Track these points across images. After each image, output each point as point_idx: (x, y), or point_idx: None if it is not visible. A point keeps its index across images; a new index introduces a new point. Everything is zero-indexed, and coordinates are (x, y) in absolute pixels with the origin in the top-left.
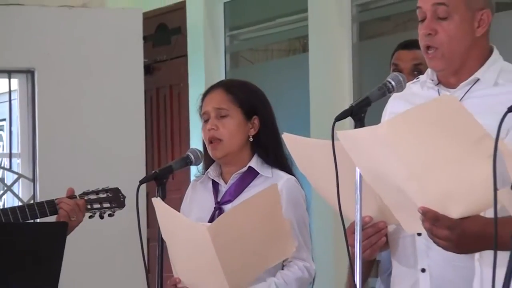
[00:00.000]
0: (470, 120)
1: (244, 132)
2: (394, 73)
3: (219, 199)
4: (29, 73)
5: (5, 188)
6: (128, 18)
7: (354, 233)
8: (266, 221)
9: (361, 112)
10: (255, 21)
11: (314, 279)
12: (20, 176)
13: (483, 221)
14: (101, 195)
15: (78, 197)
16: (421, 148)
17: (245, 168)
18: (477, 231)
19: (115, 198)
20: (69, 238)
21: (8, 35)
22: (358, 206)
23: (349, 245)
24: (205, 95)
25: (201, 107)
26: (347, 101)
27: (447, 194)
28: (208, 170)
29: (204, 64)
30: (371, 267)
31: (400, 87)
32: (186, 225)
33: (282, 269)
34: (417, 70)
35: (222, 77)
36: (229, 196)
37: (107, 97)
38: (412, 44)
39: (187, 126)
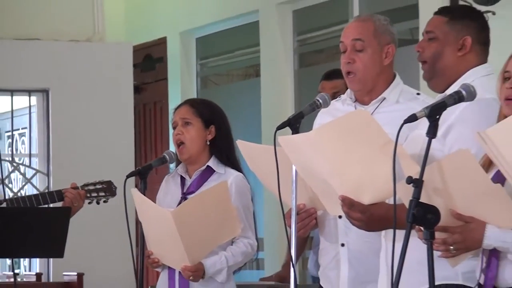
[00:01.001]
0: (378, 129)
1: (203, 137)
2: (321, 93)
3: (184, 190)
4: (45, 92)
5: (26, 181)
6: (122, 50)
7: (291, 217)
8: (217, 208)
9: (297, 123)
10: (219, 53)
11: (257, 252)
12: (37, 171)
13: (386, 206)
14: (98, 186)
15: (80, 188)
16: (340, 150)
17: (204, 167)
18: (381, 214)
19: (108, 189)
20: (73, 219)
21: (28, 63)
22: (294, 196)
23: (287, 226)
24: (175, 109)
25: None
26: (290, 115)
27: (360, 185)
28: (177, 167)
29: (180, 85)
30: (306, 242)
31: (326, 104)
32: (155, 210)
33: (231, 245)
34: (336, 97)
35: (194, 96)
36: (193, 188)
37: (105, 111)
38: (333, 74)
39: (167, 133)
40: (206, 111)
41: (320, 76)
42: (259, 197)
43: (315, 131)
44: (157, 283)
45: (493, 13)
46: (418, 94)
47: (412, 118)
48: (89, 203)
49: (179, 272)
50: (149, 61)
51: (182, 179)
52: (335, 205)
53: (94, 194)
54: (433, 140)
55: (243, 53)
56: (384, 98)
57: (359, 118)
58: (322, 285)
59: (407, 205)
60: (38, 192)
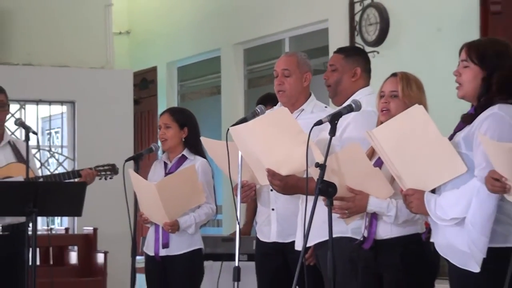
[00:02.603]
0: (294, 122)
1: (179, 136)
2: (260, 105)
3: (166, 171)
4: (72, 103)
5: (58, 164)
6: (125, 75)
7: (237, 189)
8: (188, 182)
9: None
10: (193, 77)
11: (216, 214)
12: (66, 157)
13: (297, 177)
14: (105, 167)
15: (93, 168)
16: (269, 137)
17: (180, 155)
18: (293, 183)
19: (113, 169)
20: (90, 190)
21: (60, 83)
22: (239, 175)
23: (235, 195)
24: (160, 115)
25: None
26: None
27: (279, 162)
28: (162, 156)
29: (166, 100)
30: (255, 208)
31: (262, 113)
32: (144, 183)
33: (198, 208)
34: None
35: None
36: (172, 169)
37: (113, 116)
38: (266, 98)
39: (156, 133)
40: (181, 117)
41: (259, 94)
42: (219, 176)
43: (252, 122)
44: (147, 234)
45: (377, 52)
46: (326, 107)
47: (319, 122)
48: (99, 179)
49: (162, 227)
50: (144, 82)
51: (165, 164)
52: (263, 176)
53: (103, 173)
54: (333, 138)
55: (210, 77)
56: (303, 109)
57: (281, 114)
58: (258, 237)
59: (315, 179)
60: (64, 172)
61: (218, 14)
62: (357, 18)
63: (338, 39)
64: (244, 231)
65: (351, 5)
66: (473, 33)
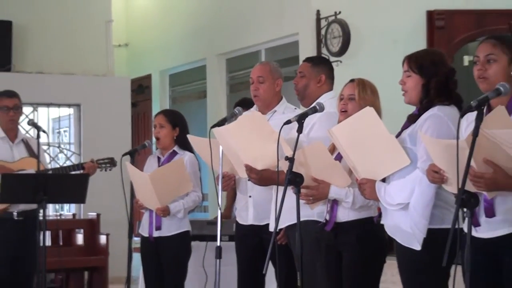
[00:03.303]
0: (266, 124)
1: (171, 134)
2: (238, 107)
3: (159, 164)
4: (78, 106)
5: (66, 159)
6: (124, 81)
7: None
8: (177, 173)
9: (223, 123)
10: (182, 83)
11: (202, 201)
12: (73, 153)
13: (271, 171)
14: (105, 160)
15: (94, 161)
16: (246, 137)
17: (171, 150)
18: (268, 176)
19: (112, 162)
20: (93, 181)
21: (68, 88)
22: (221, 167)
23: (217, 184)
24: (155, 116)
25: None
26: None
27: (256, 158)
28: (156, 151)
29: (159, 103)
30: (235, 195)
31: (240, 114)
32: (140, 174)
33: (186, 196)
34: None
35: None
36: (164, 163)
37: (114, 118)
38: (242, 102)
39: (151, 132)
40: (173, 118)
41: (242, 98)
42: (205, 168)
43: (231, 125)
44: (142, 218)
45: (341, 61)
46: (295, 108)
47: (288, 122)
48: (100, 170)
49: (155, 212)
50: (140, 88)
51: (159, 158)
52: (242, 170)
53: (103, 165)
54: (301, 135)
55: (197, 83)
56: (275, 111)
57: (255, 118)
58: (237, 220)
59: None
60: (70, 165)
61: (204, 29)
62: (323, 32)
63: (307, 50)
64: (225, 215)
65: (318, 21)
66: (422, 45)
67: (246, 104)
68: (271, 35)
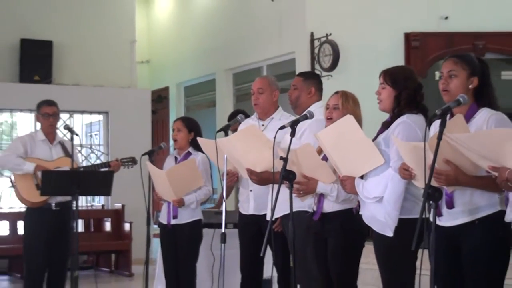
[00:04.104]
0: (262, 134)
1: (187, 137)
2: (240, 114)
3: (176, 163)
4: (107, 113)
5: (97, 158)
6: (145, 93)
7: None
8: (190, 171)
9: (227, 129)
10: (195, 94)
11: (212, 194)
12: (102, 153)
13: (269, 172)
14: (128, 159)
15: (118, 160)
16: (246, 145)
17: (186, 151)
18: (266, 177)
19: (133, 161)
20: (117, 178)
21: (99, 98)
22: (225, 166)
23: (222, 180)
24: (174, 122)
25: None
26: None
27: (255, 162)
28: (173, 152)
29: (176, 111)
30: (232, 188)
31: (243, 120)
32: (157, 172)
33: (199, 189)
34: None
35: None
36: (180, 162)
37: (137, 124)
38: (235, 112)
39: (169, 135)
40: (189, 124)
41: (246, 107)
42: (214, 167)
43: (231, 136)
44: (162, 209)
45: (331, 76)
46: (290, 116)
47: (282, 127)
48: (124, 168)
49: (172, 203)
50: (159, 98)
51: (176, 158)
52: (244, 172)
53: (126, 164)
54: (293, 139)
55: (208, 94)
56: (273, 118)
57: (251, 129)
58: (240, 211)
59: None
60: (100, 163)
61: (214, 47)
62: (316, 51)
63: (302, 66)
64: (220, 203)
65: (312, 42)
66: (400, 62)
67: (239, 114)
68: (271, 53)
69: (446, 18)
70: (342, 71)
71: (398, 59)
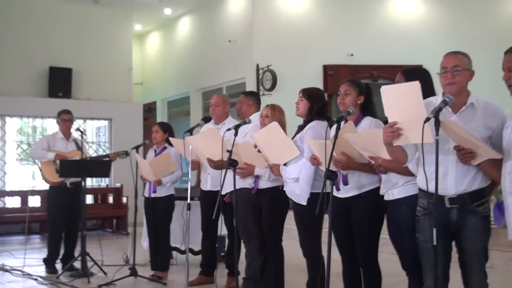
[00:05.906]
0: (218, 134)
1: (163, 137)
2: (201, 120)
3: (155, 155)
4: (110, 120)
5: (103, 151)
6: (138, 106)
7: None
8: (165, 160)
9: (192, 131)
10: (176, 106)
11: (182, 177)
12: (107, 147)
13: (222, 161)
14: (122, 152)
15: (115, 153)
16: (206, 142)
17: (163, 146)
18: (220, 164)
19: (126, 153)
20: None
21: (104, 110)
22: (190, 156)
23: (187, 166)
24: (154, 126)
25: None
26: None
27: (213, 153)
28: (154, 146)
29: (161, 119)
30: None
31: (202, 124)
32: (143, 161)
33: (172, 173)
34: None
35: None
36: (158, 154)
37: (132, 128)
38: (206, 118)
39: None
40: (164, 127)
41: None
42: (183, 157)
43: (195, 136)
44: (145, 187)
45: (271, 94)
46: (236, 122)
47: (228, 129)
48: (120, 158)
49: (152, 182)
50: (149, 109)
51: (155, 151)
52: (204, 160)
53: (121, 155)
54: (237, 137)
55: (184, 106)
56: (224, 123)
57: (210, 132)
58: (201, 187)
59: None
60: (102, 154)
61: (189, 73)
62: (260, 76)
63: (251, 87)
64: (197, 185)
65: (257, 70)
66: (320, 85)
67: (208, 119)
68: (229, 78)
69: (352, 55)
70: (279, 91)
71: (318, 83)
